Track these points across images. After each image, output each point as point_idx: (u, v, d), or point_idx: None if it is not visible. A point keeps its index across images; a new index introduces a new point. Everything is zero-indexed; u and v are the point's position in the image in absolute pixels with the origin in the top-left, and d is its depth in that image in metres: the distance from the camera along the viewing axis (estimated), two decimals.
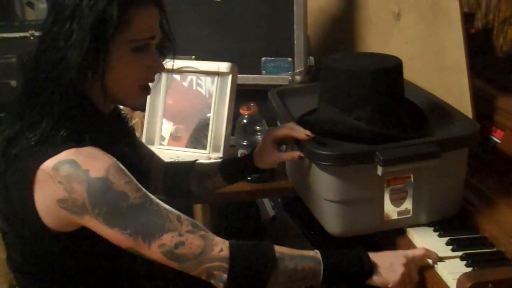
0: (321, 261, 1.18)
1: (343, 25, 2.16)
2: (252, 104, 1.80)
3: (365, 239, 1.35)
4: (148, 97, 1.87)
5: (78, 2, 1.10)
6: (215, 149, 1.84)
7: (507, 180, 1.45)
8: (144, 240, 1.09)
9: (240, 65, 1.87)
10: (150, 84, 1.25)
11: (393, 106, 1.41)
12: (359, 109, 1.38)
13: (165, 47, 1.28)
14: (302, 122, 1.45)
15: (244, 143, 1.78)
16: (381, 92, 1.39)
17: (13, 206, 1.14)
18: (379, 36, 1.95)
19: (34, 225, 1.12)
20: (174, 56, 1.30)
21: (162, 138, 1.93)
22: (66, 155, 1.08)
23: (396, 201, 1.35)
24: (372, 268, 1.20)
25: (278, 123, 1.62)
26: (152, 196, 1.13)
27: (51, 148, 1.09)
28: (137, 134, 1.73)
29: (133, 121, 1.96)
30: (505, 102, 1.55)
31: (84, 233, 1.12)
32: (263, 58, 1.96)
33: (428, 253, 1.25)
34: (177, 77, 1.91)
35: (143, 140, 1.90)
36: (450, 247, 1.29)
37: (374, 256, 1.21)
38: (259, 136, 1.78)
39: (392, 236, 1.39)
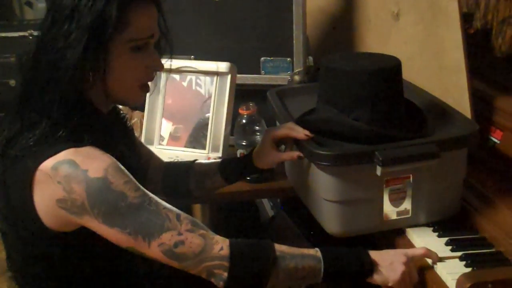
0: (322, 259, 1.18)
1: (342, 25, 2.16)
2: (251, 104, 1.81)
3: (364, 240, 1.35)
4: (147, 97, 1.89)
5: (77, 2, 1.10)
6: (214, 149, 1.84)
7: (506, 180, 1.45)
8: (144, 239, 1.09)
9: (239, 65, 1.87)
10: (149, 82, 1.25)
11: (392, 106, 1.41)
12: (358, 109, 1.38)
13: (163, 46, 1.28)
14: (301, 122, 1.45)
15: (243, 143, 1.79)
16: (380, 92, 1.39)
17: (12, 206, 1.14)
18: (378, 36, 1.95)
19: (34, 225, 1.12)
20: (172, 55, 1.30)
21: (161, 138, 1.93)
22: (65, 155, 1.09)
23: (395, 201, 1.35)
24: (372, 267, 1.20)
25: (277, 123, 1.62)
26: (152, 195, 1.13)
27: (50, 148, 1.09)
28: (136, 134, 1.73)
29: (132, 121, 1.96)
30: (504, 102, 1.56)
31: (84, 233, 1.12)
32: (262, 58, 1.96)
33: (428, 253, 1.25)
34: (176, 77, 1.91)
35: (142, 140, 1.90)
36: (450, 247, 1.29)
37: (374, 255, 1.21)
38: (258, 136, 1.78)
39: (391, 237, 1.39)
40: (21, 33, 2.81)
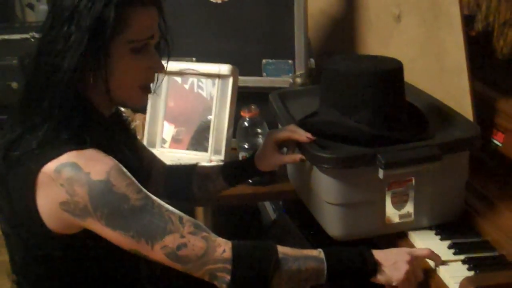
0: (325, 260, 1.18)
1: (344, 27, 2.16)
2: (253, 107, 1.80)
3: (366, 243, 1.35)
4: (149, 99, 1.89)
5: (77, 4, 1.10)
6: (216, 151, 1.84)
7: (508, 183, 1.44)
8: (147, 242, 1.09)
9: (241, 67, 1.87)
10: (151, 84, 1.25)
11: (394, 109, 1.41)
12: (360, 112, 1.38)
13: (164, 47, 1.28)
14: (303, 124, 1.45)
15: (245, 146, 1.79)
16: (382, 94, 1.38)
17: (15, 209, 1.14)
18: (380, 38, 1.95)
19: (36, 228, 1.12)
20: (169, 57, 1.29)
21: (163, 140, 1.93)
22: (67, 157, 1.09)
23: (398, 204, 1.35)
24: (375, 267, 1.19)
25: (279, 126, 1.62)
26: (154, 197, 1.14)
27: (53, 150, 1.10)
28: (138, 137, 1.73)
29: (134, 124, 1.96)
30: (506, 104, 1.55)
31: (87, 235, 1.12)
32: (263, 60, 1.96)
33: (432, 254, 1.24)
34: (178, 79, 1.91)
35: (144, 142, 1.90)
36: (452, 250, 1.29)
37: (377, 254, 1.21)
38: (260, 139, 1.78)
39: (394, 240, 1.39)
40: (23, 36, 2.82)
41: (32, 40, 2.78)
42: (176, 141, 1.92)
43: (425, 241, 1.34)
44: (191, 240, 1.11)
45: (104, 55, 1.13)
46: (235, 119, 1.84)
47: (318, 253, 1.19)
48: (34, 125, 1.13)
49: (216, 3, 1.95)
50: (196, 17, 1.98)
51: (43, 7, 3.32)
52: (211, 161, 1.81)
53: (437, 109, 1.53)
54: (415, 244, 1.35)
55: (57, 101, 1.12)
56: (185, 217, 1.14)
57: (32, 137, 1.12)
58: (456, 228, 1.39)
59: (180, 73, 1.89)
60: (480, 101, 1.54)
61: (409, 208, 1.36)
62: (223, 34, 1.97)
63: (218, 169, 1.52)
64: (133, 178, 1.12)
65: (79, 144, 1.11)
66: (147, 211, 1.10)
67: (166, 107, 1.93)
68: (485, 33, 2.01)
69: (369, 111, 1.38)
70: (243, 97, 1.87)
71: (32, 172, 1.09)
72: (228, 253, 1.13)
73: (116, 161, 1.11)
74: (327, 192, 1.35)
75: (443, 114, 1.49)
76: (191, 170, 1.54)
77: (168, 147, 1.92)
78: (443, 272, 1.23)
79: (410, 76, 1.57)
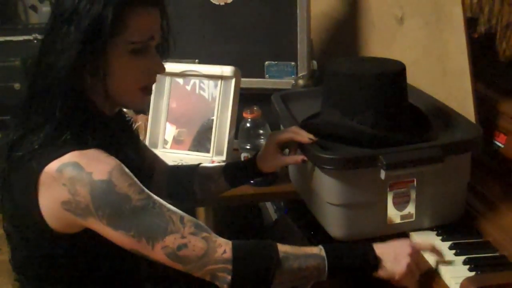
0: (326, 258, 1.18)
1: (346, 29, 2.17)
2: (255, 108, 1.81)
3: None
4: (152, 100, 1.89)
5: (76, 5, 1.11)
6: (218, 152, 1.84)
7: (510, 185, 1.44)
8: (148, 242, 1.10)
9: (243, 69, 1.87)
10: (152, 85, 1.25)
11: (396, 110, 1.41)
12: (362, 113, 1.38)
13: (165, 48, 1.28)
14: (305, 126, 1.45)
15: (247, 147, 1.79)
16: (385, 96, 1.39)
17: (17, 208, 1.14)
18: (382, 40, 1.95)
19: (38, 227, 1.12)
20: (167, 58, 1.29)
21: (165, 141, 1.93)
22: (69, 157, 1.09)
23: (399, 205, 1.35)
24: (377, 263, 1.19)
25: (281, 127, 1.62)
26: (156, 198, 1.14)
27: (55, 150, 1.10)
28: (141, 137, 1.73)
29: (136, 124, 1.97)
30: (508, 106, 1.55)
31: (88, 234, 1.13)
32: (266, 62, 1.96)
33: (435, 249, 1.24)
34: (180, 80, 1.91)
35: (146, 143, 1.90)
36: (453, 251, 1.29)
37: (378, 249, 1.21)
38: (262, 140, 1.78)
39: None
40: (26, 37, 2.83)
41: (35, 41, 2.79)
42: (178, 142, 1.92)
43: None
44: (192, 240, 1.11)
45: (102, 56, 1.13)
46: (237, 120, 1.84)
47: (319, 250, 1.19)
48: (37, 126, 1.14)
49: (219, 5, 1.95)
50: (199, 18, 1.98)
51: (46, 9, 3.33)
52: (213, 162, 1.81)
53: (439, 110, 1.53)
54: None
55: (58, 102, 1.12)
56: (187, 217, 1.14)
57: (35, 137, 1.12)
58: (457, 228, 1.39)
59: (182, 75, 1.90)
60: (482, 103, 1.54)
61: (410, 209, 1.36)
62: (226, 36, 1.97)
63: (220, 170, 1.53)
64: (135, 178, 1.13)
65: (82, 144, 1.11)
66: (148, 211, 1.10)
67: (168, 108, 1.93)
68: (487, 36, 2.01)
69: (372, 112, 1.38)
70: (245, 98, 1.87)
71: (35, 172, 1.10)
72: (228, 254, 1.13)
73: (118, 161, 1.12)
74: (328, 193, 1.35)
75: (445, 115, 1.50)
76: (193, 170, 1.54)
77: (170, 148, 1.92)
78: (444, 273, 1.23)
79: (413, 78, 1.57)
